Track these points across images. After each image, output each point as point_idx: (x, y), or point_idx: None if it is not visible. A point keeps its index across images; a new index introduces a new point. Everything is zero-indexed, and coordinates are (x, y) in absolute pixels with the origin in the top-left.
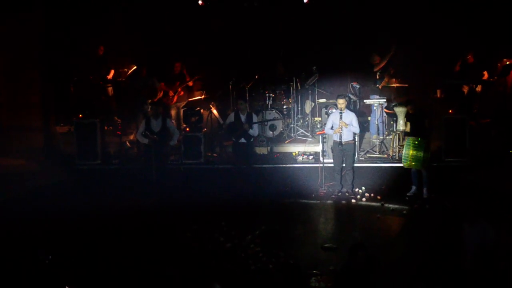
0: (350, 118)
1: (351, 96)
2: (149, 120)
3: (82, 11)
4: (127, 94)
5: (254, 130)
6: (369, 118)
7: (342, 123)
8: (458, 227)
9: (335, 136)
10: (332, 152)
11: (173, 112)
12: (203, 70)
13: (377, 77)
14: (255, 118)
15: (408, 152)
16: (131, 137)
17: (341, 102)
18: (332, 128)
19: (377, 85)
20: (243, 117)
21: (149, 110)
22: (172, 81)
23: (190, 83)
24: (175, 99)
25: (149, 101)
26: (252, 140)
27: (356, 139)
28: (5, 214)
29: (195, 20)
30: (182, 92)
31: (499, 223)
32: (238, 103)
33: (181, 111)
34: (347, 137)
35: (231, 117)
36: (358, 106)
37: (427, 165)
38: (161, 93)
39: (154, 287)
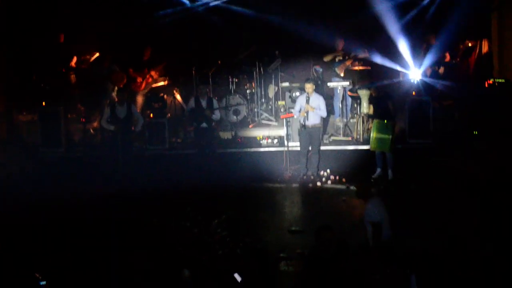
0: (318, 102)
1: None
2: (114, 106)
3: None
4: (90, 81)
5: (216, 115)
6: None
7: (307, 107)
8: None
9: (301, 119)
10: (299, 135)
11: (139, 99)
12: (166, 56)
13: (336, 60)
14: (215, 103)
15: (373, 135)
16: (95, 124)
17: (308, 87)
18: (300, 111)
19: (335, 68)
20: (203, 102)
21: (114, 96)
22: (140, 68)
23: (156, 74)
24: (143, 85)
25: (116, 87)
26: (213, 124)
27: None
28: None
29: (158, 5)
30: (150, 79)
31: (461, 204)
32: (198, 88)
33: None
34: (313, 120)
35: (192, 103)
36: (321, 89)
37: (393, 147)
38: (125, 80)
39: (121, 274)
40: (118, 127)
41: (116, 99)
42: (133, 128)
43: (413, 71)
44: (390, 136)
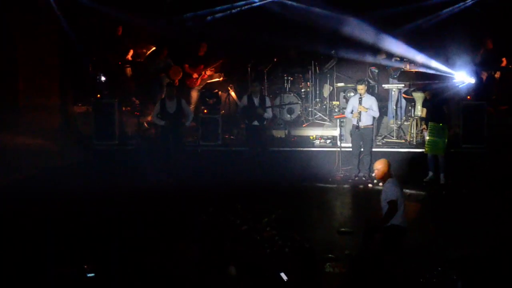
0: (370, 102)
1: (370, 81)
2: (164, 101)
3: None
4: (146, 75)
5: (268, 113)
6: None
7: (360, 107)
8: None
9: (354, 120)
10: (351, 136)
11: (194, 94)
12: (222, 52)
13: (393, 60)
14: (268, 101)
15: (428, 138)
16: (149, 118)
17: (361, 88)
18: (352, 112)
19: (387, 68)
20: (256, 100)
21: (164, 91)
22: (196, 64)
23: (211, 71)
24: (198, 81)
25: (168, 81)
26: (265, 122)
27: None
28: (22, 192)
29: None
30: (206, 75)
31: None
32: (251, 85)
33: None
34: (366, 121)
35: (244, 100)
36: (376, 91)
37: (446, 151)
38: (181, 74)
39: (169, 268)
40: (169, 122)
41: (165, 94)
42: (185, 123)
43: (469, 75)
44: (445, 140)
